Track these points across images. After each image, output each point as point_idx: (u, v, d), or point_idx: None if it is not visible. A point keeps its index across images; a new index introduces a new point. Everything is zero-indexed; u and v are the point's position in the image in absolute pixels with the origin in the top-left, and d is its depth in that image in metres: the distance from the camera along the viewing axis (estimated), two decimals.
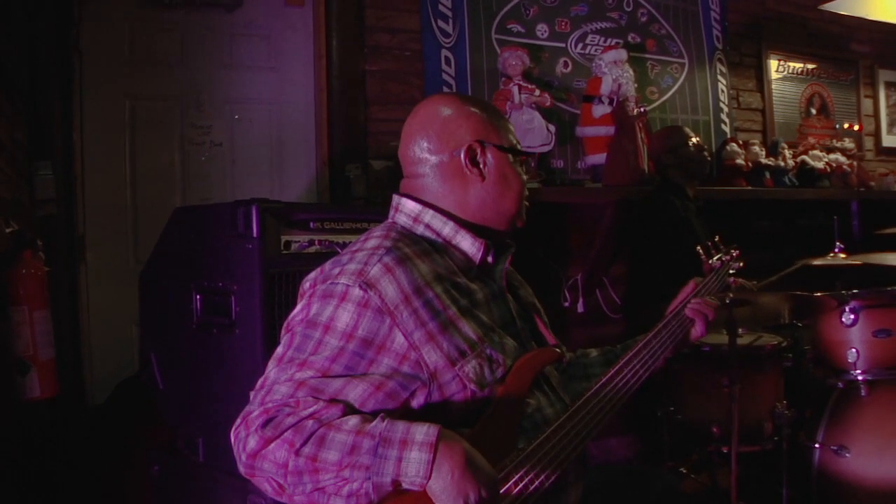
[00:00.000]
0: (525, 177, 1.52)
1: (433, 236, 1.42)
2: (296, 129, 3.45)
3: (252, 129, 3.41)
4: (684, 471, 2.96)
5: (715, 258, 1.86)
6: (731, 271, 1.87)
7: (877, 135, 5.32)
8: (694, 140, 3.40)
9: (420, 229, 1.42)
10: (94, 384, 3.06)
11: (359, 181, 3.22)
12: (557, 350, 1.44)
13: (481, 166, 1.45)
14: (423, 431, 1.11)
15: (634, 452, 3.58)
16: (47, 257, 2.39)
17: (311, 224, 2.07)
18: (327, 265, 1.32)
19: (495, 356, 1.31)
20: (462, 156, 1.44)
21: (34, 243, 2.25)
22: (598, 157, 3.65)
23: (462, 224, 1.43)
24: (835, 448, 2.30)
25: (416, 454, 1.08)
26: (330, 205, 3.22)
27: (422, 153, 1.46)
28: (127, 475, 2.59)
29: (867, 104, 5.26)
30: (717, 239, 1.94)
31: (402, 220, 1.44)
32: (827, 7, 3.61)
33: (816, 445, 2.36)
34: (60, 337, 2.54)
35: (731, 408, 2.31)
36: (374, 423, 1.12)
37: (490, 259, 1.44)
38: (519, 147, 1.52)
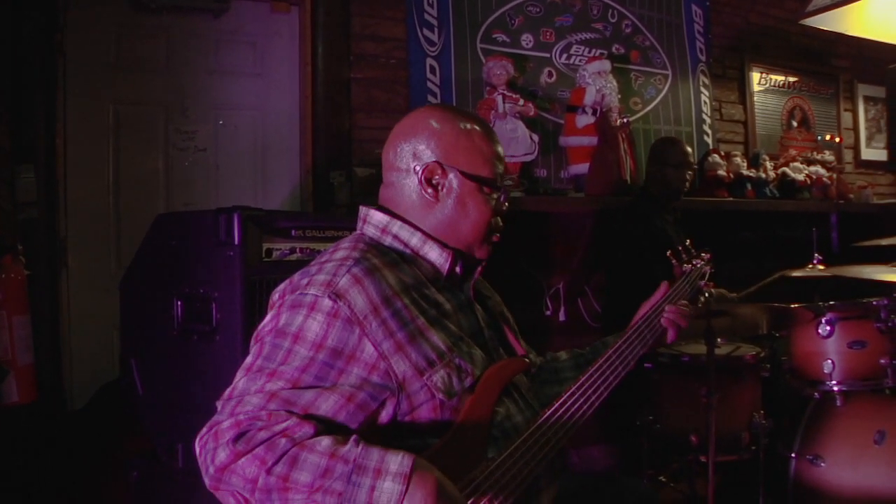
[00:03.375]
0: (495, 206, 1.47)
1: (401, 247, 1.42)
2: (280, 136, 3.46)
3: (237, 135, 3.41)
4: (664, 479, 2.99)
5: (686, 263, 1.88)
6: (702, 275, 1.88)
7: (856, 148, 5.40)
8: (682, 167, 3.33)
9: (388, 240, 1.42)
10: (74, 389, 3.05)
11: (342, 188, 3.23)
12: (526, 359, 1.45)
13: (439, 188, 1.43)
14: (397, 461, 1.11)
15: (615, 461, 3.59)
16: (28, 261, 2.39)
17: (293, 232, 2.08)
18: (296, 276, 1.32)
19: (464, 366, 1.31)
20: (419, 174, 1.43)
21: (15, 248, 2.25)
22: (581, 167, 3.69)
23: (430, 235, 1.43)
24: (810, 458, 2.33)
25: (389, 484, 1.09)
26: (311, 213, 3.23)
27: (395, 160, 1.46)
28: (106, 481, 2.58)
29: (847, 117, 5.34)
30: (687, 243, 1.95)
31: (370, 231, 1.44)
32: (807, 22, 3.65)
33: (792, 455, 2.38)
34: (40, 341, 2.54)
35: (708, 418, 2.33)
36: (347, 446, 1.12)
37: (458, 270, 1.45)
38: (493, 179, 1.46)
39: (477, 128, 1.48)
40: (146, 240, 2.33)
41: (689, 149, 3.45)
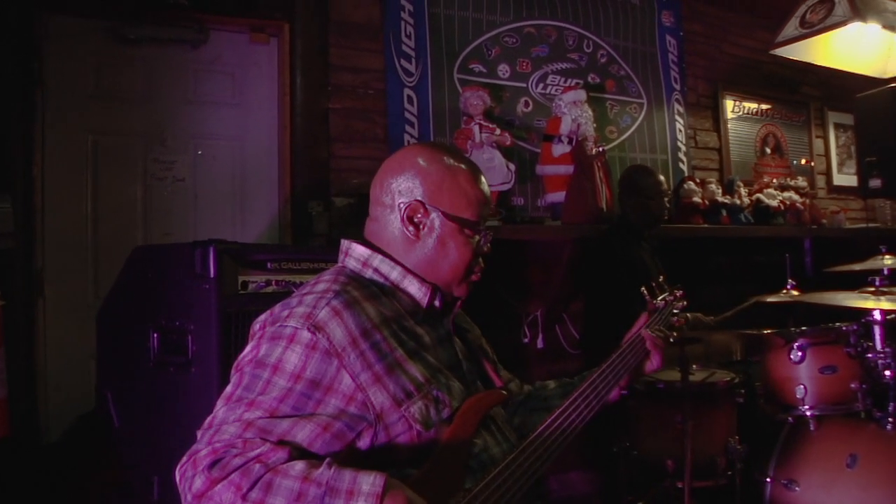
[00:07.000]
0: (476, 248, 1.48)
1: (381, 280, 1.44)
2: (259, 166, 3.47)
3: (215, 165, 3.41)
4: None
5: (659, 298, 1.91)
6: (674, 311, 1.91)
7: (828, 174, 5.51)
8: (661, 196, 3.39)
9: (369, 273, 1.45)
10: (50, 421, 3.01)
11: (321, 218, 3.24)
12: (504, 392, 1.47)
13: (420, 227, 1.45)
14: (369, 482, 1.12)
15: (594, 487, 3.60)
16: (4, 291, 2.37)
17: (269, 264, 2.10)
18: (277, 308, 1.34)
19: (441, 397, 1.34)
20: (402, 212, 1.45)
21: None
22: (558, 196, 3.72)
23: (410, 270, 1.46)
24: (785, 482, 2.35)
25: None
26: (287, 245, 3.23)
27: (381, 195, 1.49)
28: None
29: (818, 144, 5.46)
30: (661, 279, 1.99)
31: (351, 263, 1.47)
32: (777, 52, 3.76)
33: (768, 480, 2.40)
34: (15, 372, 2.51)
35: (684, 443, 2.35)
36: (320, 469, 1.14)
37: (437, 304, 1.47)
38: (476, 222, 1.47)
39: (465, 168, 1.50)
40: (123, 272, 2.33)
41: (661, 177, 3.51)
